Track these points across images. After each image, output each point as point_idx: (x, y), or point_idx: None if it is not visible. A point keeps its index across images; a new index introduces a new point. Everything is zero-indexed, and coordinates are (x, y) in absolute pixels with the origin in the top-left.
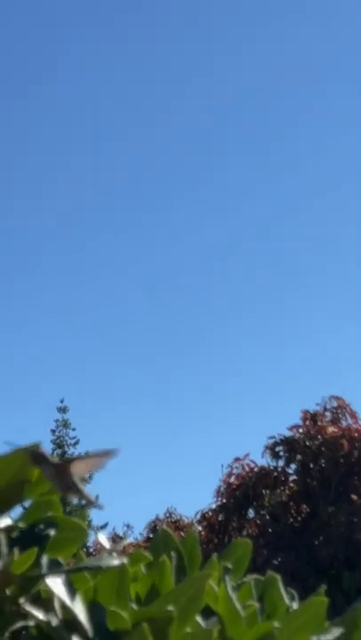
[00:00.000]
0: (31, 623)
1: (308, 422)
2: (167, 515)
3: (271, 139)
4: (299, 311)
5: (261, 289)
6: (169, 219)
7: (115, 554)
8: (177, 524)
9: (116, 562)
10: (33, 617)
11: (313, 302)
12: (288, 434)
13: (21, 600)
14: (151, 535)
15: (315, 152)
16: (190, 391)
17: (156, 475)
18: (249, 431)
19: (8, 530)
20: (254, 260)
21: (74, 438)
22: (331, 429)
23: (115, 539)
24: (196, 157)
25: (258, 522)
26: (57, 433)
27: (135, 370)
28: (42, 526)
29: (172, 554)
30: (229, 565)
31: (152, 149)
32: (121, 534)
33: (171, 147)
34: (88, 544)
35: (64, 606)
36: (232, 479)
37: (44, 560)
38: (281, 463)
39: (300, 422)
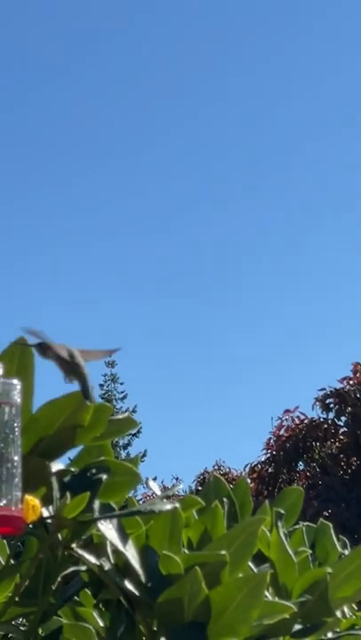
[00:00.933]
0: (83, 568)
1: (358, 374)
2: (216, 467)
3: None
4: (351, 261)
5: (312, 242)
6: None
7: (166, 499)
8: (226, 477)
9: (168, 506)
10: (85, 562)
11: None
12: (338, 386)
13: (74, 545)
14: (200, 488)
15: None
16: (240, 343)
17: (205, 428)
18: (299, 383)
19: (61, 474)
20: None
21: (122, 392)
22: None
23: (163, 491)
24: None
25: (308, 474)
26: (105, 387)
27: (183, 322)
28: (94, 470)
29: (224, 500)
30: (282, 511)
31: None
32: (169, 487)
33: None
34: (137, 497)
35: (116, 551)
36: (282, 432)
37: (96, 504)
38: (331, 415)
39: (351, 374)
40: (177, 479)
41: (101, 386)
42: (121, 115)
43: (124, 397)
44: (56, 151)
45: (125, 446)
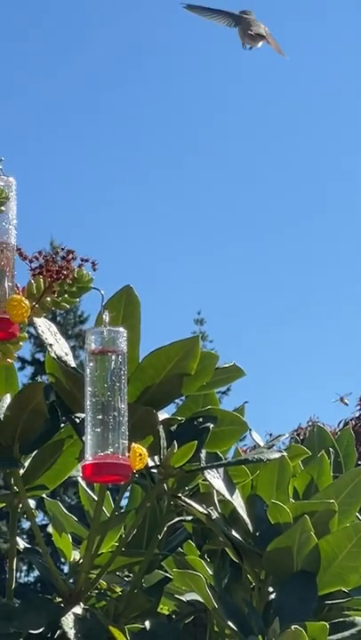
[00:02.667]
0: (188, 518)
1: None
2: (310, 423)
3: None
4: None
5: None
6: None
7: (272, 448)
8: None
9: (276, 455)
10: (191, 512)
11: None
12: None
13: (180, 494)
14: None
15: None
16: (334, 297)
17: (297, 383)
18: None
19: (167, 423)
20: None
21: (212, 350)
22: None
23: (256, 446)
24: None
25: None
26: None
27: (275, 276)
28: (201, 419)
29: (330, 450)
30: None
31: None
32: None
33: None
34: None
35: (223, 500)
36: None
37: (203, 454)
38: None
39: None
40: (270, 435)
41: None
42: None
43: None
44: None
45: None
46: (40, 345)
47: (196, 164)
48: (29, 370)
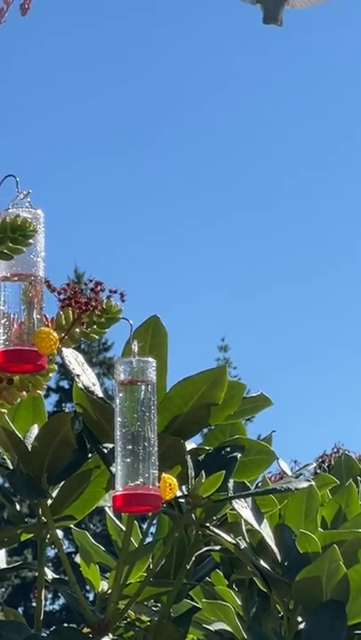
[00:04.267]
0: (215, 548)
1: None
2: (335, 450)
3: None
4: None
5: None
6: None
7: (300, 477)
8: None
9: (305, 484)
10: (219, 541)
11: None
12: None
13: (208, 524)
14: (318, 471)
15: None
16: (353, 320)
17: (322, 410)
18: None
19: (195, 452)
20: None
21: (235, 377)
22: None
23: (283, 475)
24: None
25: None
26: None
27: (292, 302)
28: (228, 449)
29: (358, 478)
30: None
31: None
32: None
33: None
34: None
35: (251, 530)
36: None
37: (231, 483)
38: None
39: None
40: (295, 462)
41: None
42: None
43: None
44: None
45: None
46: (65, 373)
47: (221, 195)
48: (54, 397)
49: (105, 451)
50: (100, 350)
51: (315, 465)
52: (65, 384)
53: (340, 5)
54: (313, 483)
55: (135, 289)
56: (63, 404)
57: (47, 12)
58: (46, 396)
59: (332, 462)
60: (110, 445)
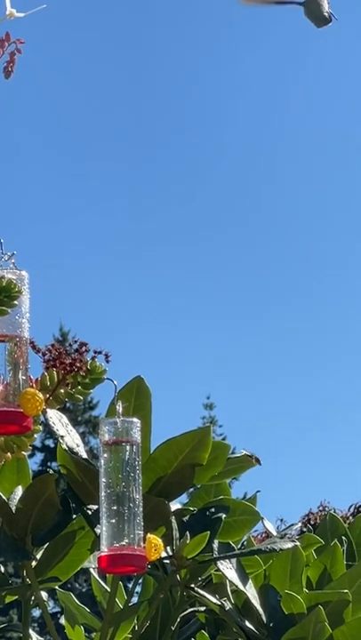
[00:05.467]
0: (200, 609)
1: None
2: (321, 508)
3: None
4: None
5: None
6: None
7: (285, 538)
8: None
9: (289, 545)
10: (204, 602)
11: None
12: None
13: (193, 585)
14: (304, 529)
15: None
16: (345, 378)
17: (307, 468)
18: None
19: (180, 513)
20: None
21: (221, 435)
22: None
23: (268, 535)
24: None
25: None
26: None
27: (283, 362)
28: (213, 509)
29: (342, 538)
30: None
31: None
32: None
33: None
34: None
35: (236, 590)
36: None
37: (216, 544)
38: None
39: None
40: (281, 520)
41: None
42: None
43: (223, 440)
44: None
45: None
46: (50, 432)
47: (204, 253)
48: (39, 456)
49: (89, 512)
50: (86, 409)
51: (300, 524)
52: (50, 443)
53: None
54: (298, 543)
55: (121, 347)
56: (48, 463)
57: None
58: (31, 455)
59: (318, 520)
60: (95, 507)
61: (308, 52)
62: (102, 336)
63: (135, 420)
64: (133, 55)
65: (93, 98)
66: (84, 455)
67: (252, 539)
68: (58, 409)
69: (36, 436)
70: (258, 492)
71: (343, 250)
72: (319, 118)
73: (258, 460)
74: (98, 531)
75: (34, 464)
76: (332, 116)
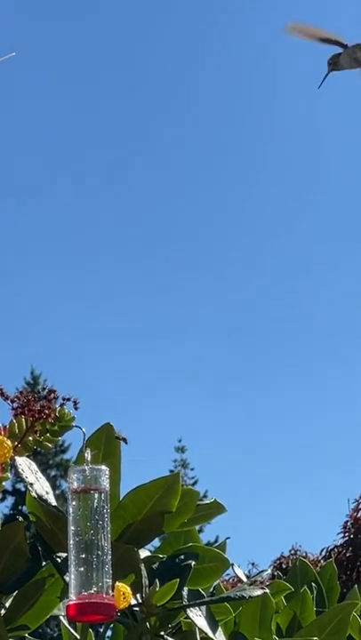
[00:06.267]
0: None
1: None
2: (292, 552)
3: None
4: None
5: None
6: None
7: (254, 585)
8: None
9: (259, 592)
10: None
11: None
12: None
13: (162, 632)
14: (277, 573)
15: None
16: (315, 425)
17: (278, 511)
18: None
19: (149, 561)
20: None
21: (193, 478)
22: None
23: (238, 581)
24: None
25: None
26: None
27: (256, 405)
28: (183, 557)
29: (312, 585)
30: None
31: None
32: (245, 572)
33: None
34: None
35: (206, 638)
36: (359, 514)
37: (185, 591)
38: None
39: None
40: (253, 564)
41: (171, 472)
42: None
43: (195, 483)
44: None
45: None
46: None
47: (171, 297)
48: (10, 500)
49: (59, 560)
50: (57, 452)
51: (272, 568)
52: (21, 486)
53: None
54: (267, 590)
55: (93, 391)
56: (20, 507)
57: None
58: (2, 499)
59: (290, 564)
60: (64, 554)
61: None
62: (74, 379)
63: (104, 467)
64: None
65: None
66: (54, 502)
67: (222, 585)
68: (27, 455)
69: (4, 484)
70: (227, 538)
71: (315, 278)
72: None
73: (125, 440)
74: (67, 578)
75: (5, 507)
76: None
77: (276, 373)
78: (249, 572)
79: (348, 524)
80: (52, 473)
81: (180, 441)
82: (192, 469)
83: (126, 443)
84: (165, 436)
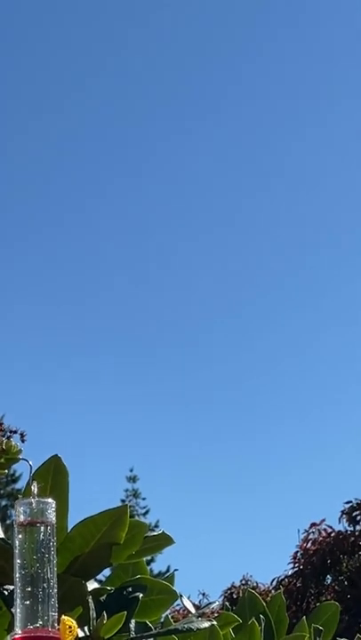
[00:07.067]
0: None
1: None
2: (243, 582)
3: None
4: None
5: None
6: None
7: (202, 617)
8: (254, 592)
9: (206, 624)
10: None
11: None
12: None
13: None
14: (227, 603)
15: None
16: (265, 456)
17: (229, 541)
18: (325, 496)
19: (97, 593)
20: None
21: (144, 507)
22: None
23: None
24: None
25: (336, 588)
26: (127, 502)
27: (207, 435)
28: (130, 589)
29: (260, 616)
30: (320, 627)
31: None
32: (196, 603)
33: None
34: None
35: None
36: (309, 545)
37: (133, 624)
38: (358, 528)
39: None
40: (204, 595)
41: (123, 501)
42: None
43: (147, 512)
44: None
45: (148, 562)
46: None
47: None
48: None
49: (6, 592)
50: (9, 482)
51: (223, 598)
52: None
53: None
54: (215, 622)
55: (43, 422)
56: None
57: None
58: None
59: (241, 594)
60: (11, 587)
61: None
62: (24, 412)
63: (50, 500)
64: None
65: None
66: (1, 535)
67: (173, 616)
68: None
69: None
70: (175, 570)
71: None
72: None
73: (22, 435)
74: (14, 611)
75: None
76: None
77: (228, 402)
78: (200, 602)
79: (298, 554)
80: (4, 502)
81: (131, 470)
82: (144, 499)
83: (23, 439)
84: (117, 466)
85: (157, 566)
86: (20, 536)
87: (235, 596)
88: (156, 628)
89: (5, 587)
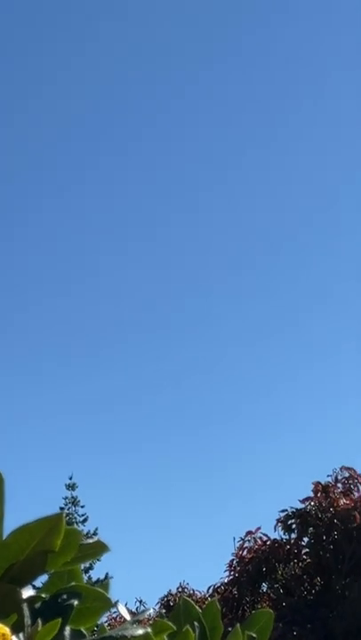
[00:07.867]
0: None
1: (319, 494)
2: (180, 589)
3: None
4: (309, 383)
5: (271, 363)
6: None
7: (137, 624)
8: (190, 599)
9: (140, 631)
10: None
11: (323, 374)
12: (300, 506)
13: None
14: (164, 610)
15: None
16: (201, 465)
17: (167, 549)
18: (261, 504)
19: (31, 600)
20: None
21: (83, 515)
22: (343, 501)
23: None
24: None
25: (271, 595)
26: (66, 510)
27: (144, 442)
28: (65, 596)
29: (195, 624)
30: (253, 635)
31: None
32: (133, 610)
33: None
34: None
35: None
36: (244, 553)
37: (67, 631)
38: (293, 536)
39: (312, 494)
40: (140, 602)
41: (62, 509)
42: None
43: (85, 520)
44: None
45: (87, 570)
46: None
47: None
48: None
49: None
50: None
51: (159, 605)
52: None
53: None
54: (149, 629)
55: None
56: None
57: None
58: None
59: (177, 601)
60: None
61: None
62: None
63: None
64: None
65: None
66: None
67: (110, 623)
68: None
69: None
70: (111, 577)
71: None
72: None
73: None
74: None
75: None
76: None
77: (169, 408)
78: (137, 609)
79: (234, 562)
80: None
81: (70, 478)
82: (82, 507)
83: None
84: (56, 474)
85: (96, 573)
86: None
87: (171, 604)
88: (90, 636)
89: None
